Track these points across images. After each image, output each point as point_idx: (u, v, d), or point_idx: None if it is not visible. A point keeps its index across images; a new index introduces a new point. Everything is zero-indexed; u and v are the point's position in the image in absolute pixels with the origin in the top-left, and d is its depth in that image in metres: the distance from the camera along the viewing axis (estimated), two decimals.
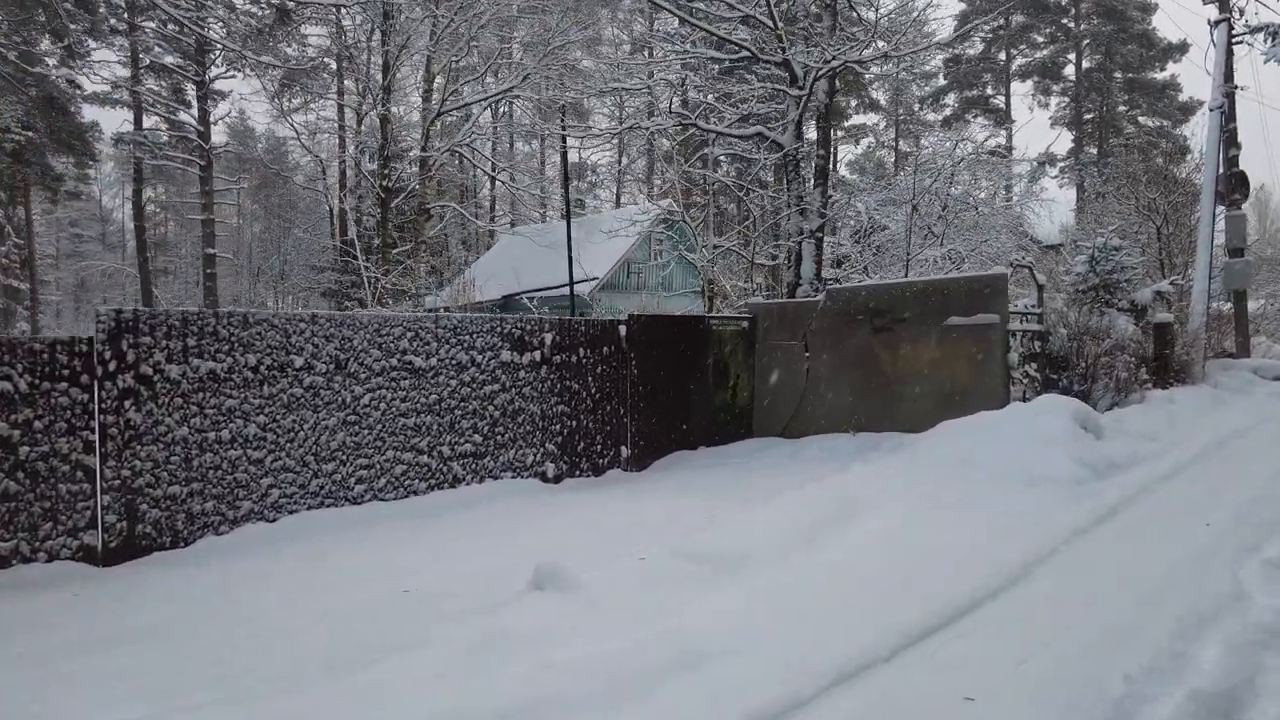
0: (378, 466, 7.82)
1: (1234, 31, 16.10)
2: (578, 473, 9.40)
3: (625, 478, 9.57)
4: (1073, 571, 4.31)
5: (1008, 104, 43.81)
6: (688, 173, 15.02)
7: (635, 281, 20.79)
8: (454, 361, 8.35)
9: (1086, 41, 40.65)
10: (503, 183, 23.61)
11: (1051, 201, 26.07)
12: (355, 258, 19.05)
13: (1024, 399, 9.25)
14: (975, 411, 7.96)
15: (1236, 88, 16.07)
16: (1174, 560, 4.56)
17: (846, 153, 48.20)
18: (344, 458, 7.61)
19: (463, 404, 8.41)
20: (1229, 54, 16.00)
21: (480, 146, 31.14)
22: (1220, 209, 16.35)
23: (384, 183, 20.23)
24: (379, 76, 20.02)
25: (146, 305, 26.11)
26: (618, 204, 37.56)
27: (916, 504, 6.09)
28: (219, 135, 34.14)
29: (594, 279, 19.27)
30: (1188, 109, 37.83)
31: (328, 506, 7.53)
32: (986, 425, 7.34)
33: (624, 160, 33.22)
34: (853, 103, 46.35)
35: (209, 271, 25.22)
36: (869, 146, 45.90)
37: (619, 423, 9.78)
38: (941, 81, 46.10)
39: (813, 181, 10.80)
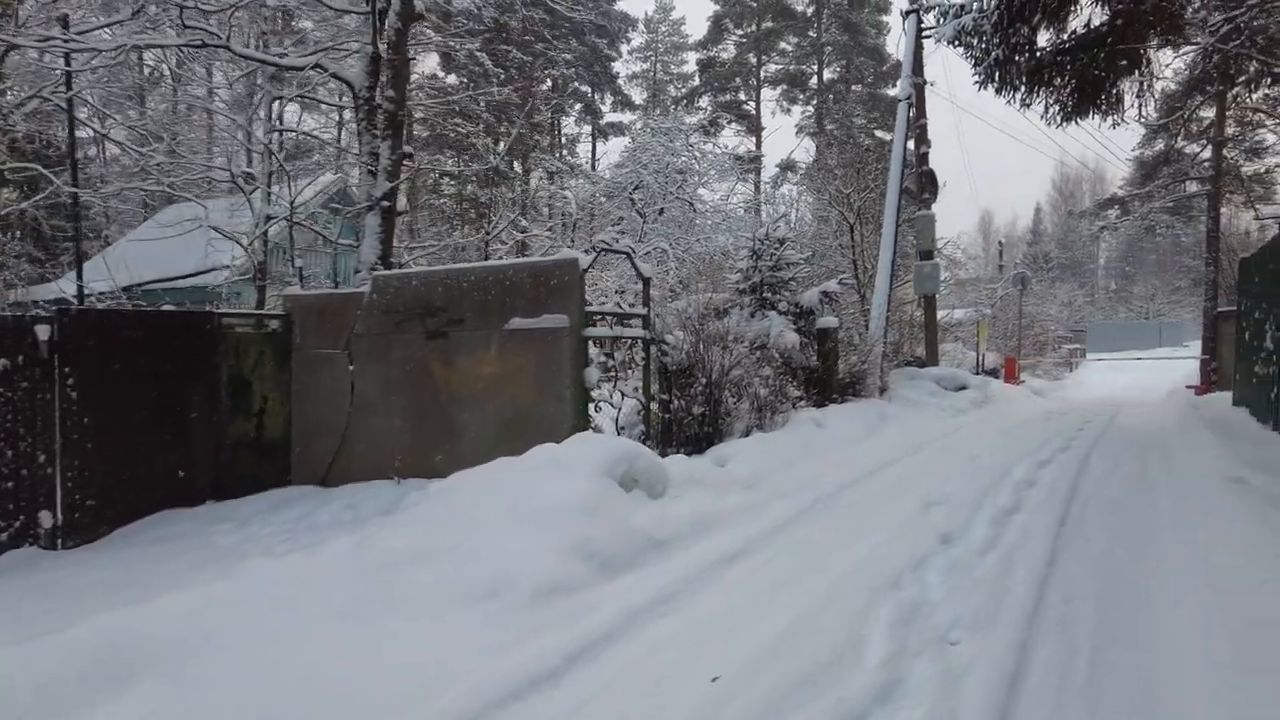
0: None
1: (923, 26, 15.32)
2: None
3: (36, 560, 6.17)
4: None
5: (758, 110, 44.10)
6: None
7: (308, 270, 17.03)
8: None
9: (829, 50, 41.65)
10: (112, 140, 18.75)
11: (772, 203, 25.27)
12: None
13: (617, 428, 6.90)
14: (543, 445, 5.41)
15: (924, 81, 15.32)
16: None
17: (602, 152, 46.68)
18: None
19: None
20: (918, 46, 15.20)
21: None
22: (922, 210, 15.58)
23: None
24: None
25: None
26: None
27: (235, 660, 3.31)
28: None
29: (224, 267, 15.29)
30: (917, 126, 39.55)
31: None
32: (484, 487, 4.75)
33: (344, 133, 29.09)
34: (609, 99, 44.95)
35: None
36: (627, 147, 44.52)
37: (35, 475, 6.33)
38: (697, 83, 45.82)
39: (381, 134, 7.97)
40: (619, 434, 6.83)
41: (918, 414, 11.09)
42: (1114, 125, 13.32)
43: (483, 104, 37.70)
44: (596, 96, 44.46)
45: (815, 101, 42.22)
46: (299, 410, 7.74)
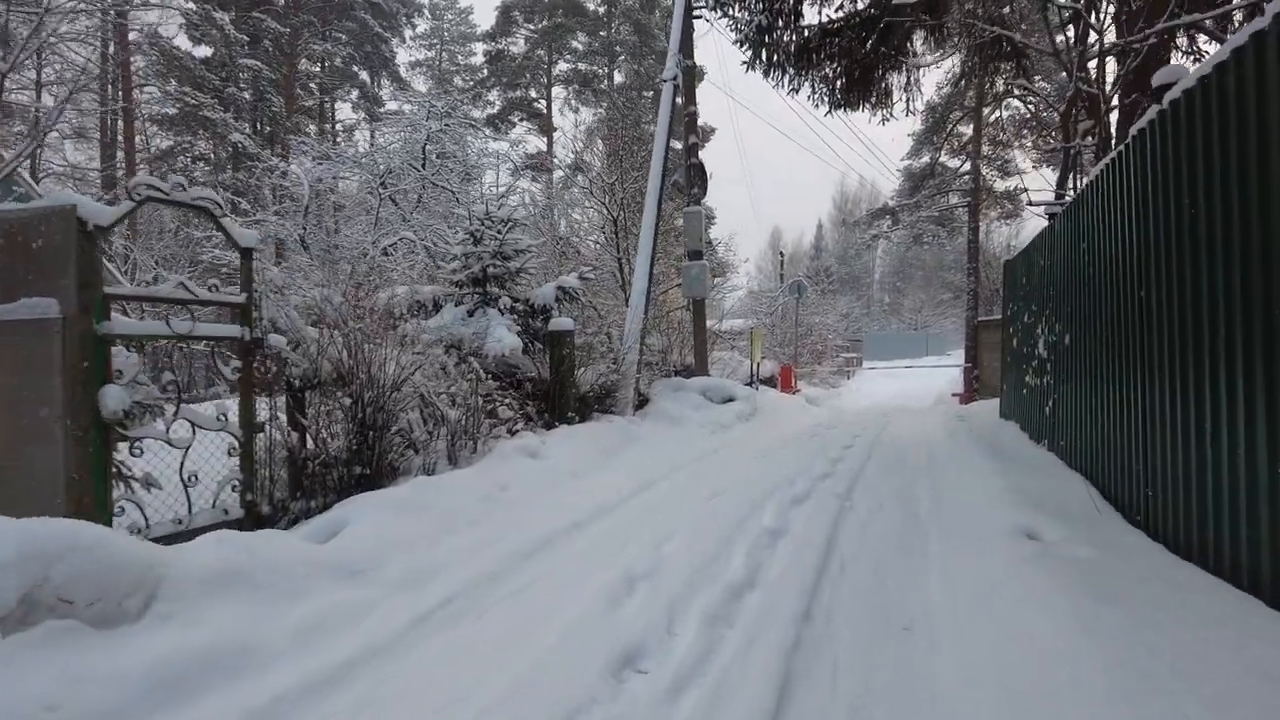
0: None
1: (694, 4, 14.00)
2: None
3: None
4: None
5: (549, 108, 42.35)
6: None
7: None
8: None
9: (620, 51, 40.71)
10: None
11: (561, 204, 23.45)
12: None
13: (185, 481, 4.50)
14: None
15: (694, 65, 14.00)
16: None
17: (389, 140, 43.03)
18: None
19: None
20: (688, 24, 13.84)
21: None
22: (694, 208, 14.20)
23: None
24: None
25: None
26: None
27: None
28: None
29: None
30: (704, 133, 39.55)
31: None
32: None
33: None
34: (388, 86, 41.38)
35: None
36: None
37: None
38: (485, 75, 43.37)
39: None
40: (188, 488, 4.43)
41: (674, 432, 9.47)
42: (884, 121, 12.58)
43: (240, 80, 33.22)
44: (374, 82, 40.75)
45: (606, 103, 41.08)
46: None
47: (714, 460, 8.06)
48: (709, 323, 19.15)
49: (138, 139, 31.78)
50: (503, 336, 7.50)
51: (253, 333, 4.82)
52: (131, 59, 25.82)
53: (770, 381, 18.45)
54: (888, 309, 65.74)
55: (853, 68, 11.28)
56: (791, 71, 11.34)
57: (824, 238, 72.37)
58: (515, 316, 8.14)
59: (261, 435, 4.99)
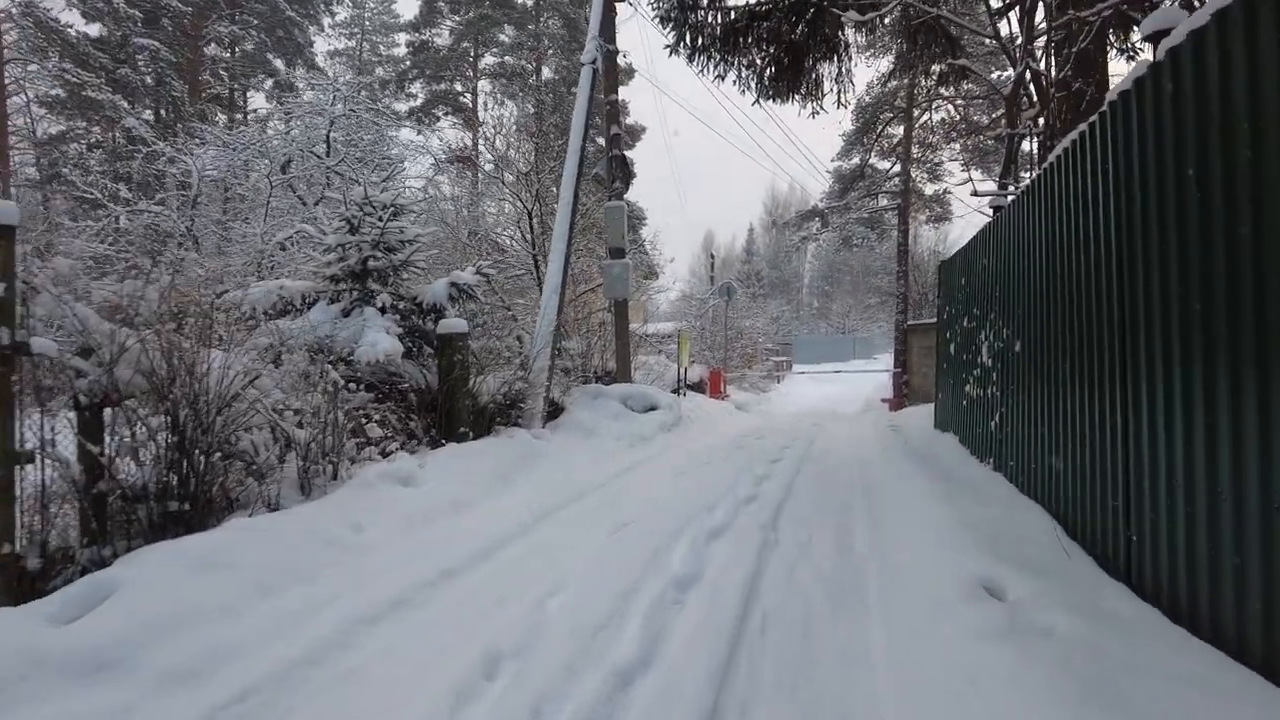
0: None
1: None
2: None
3: None
4: None
5: (475, 103, 40.98)
6: None
7: None
8: None
9: (549, 45, 39.67)
10: None
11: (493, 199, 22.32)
12: None
13: None
14: None
15: (616, 50, 13.11)
16: None
17: (291, 129, 40.89)
18: None
19: None
20: (610, 7, 12.95)
21: None
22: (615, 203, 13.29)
23: None
24: None
25: None
26: None
27: None
28: None
29: None
30: (634, 132, 38.90)
31: None
32: None
33: None
34: (300, 71, 39.34)
35: None
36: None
37: None
38: (408, 66, 41.70)
39: None
40: None
41: (588, 446, 8.56)
42: (814, 114, 11.93)
43: (138, 62, 30.90)
44: (289, 70, 38.68)
45: (534, 99, 39.96)
46: None
47: (628, 480, 7.17)
48: (634, 326, 18.33)
49: (22, 121, 29.32)
50: (377, 340, 6.46)
51: (13, 335, 3.71)
52: (3, 32, 23.56)
53: (699, 386, 17.73)
54: (816, 313, 66.25)
55: (782, 55, 10.59)
56: (718, 56, 10.59)
57: (755, 242, 72.61)
58: (398, 316, 7.10)
59: (32, 467, 3.88)
